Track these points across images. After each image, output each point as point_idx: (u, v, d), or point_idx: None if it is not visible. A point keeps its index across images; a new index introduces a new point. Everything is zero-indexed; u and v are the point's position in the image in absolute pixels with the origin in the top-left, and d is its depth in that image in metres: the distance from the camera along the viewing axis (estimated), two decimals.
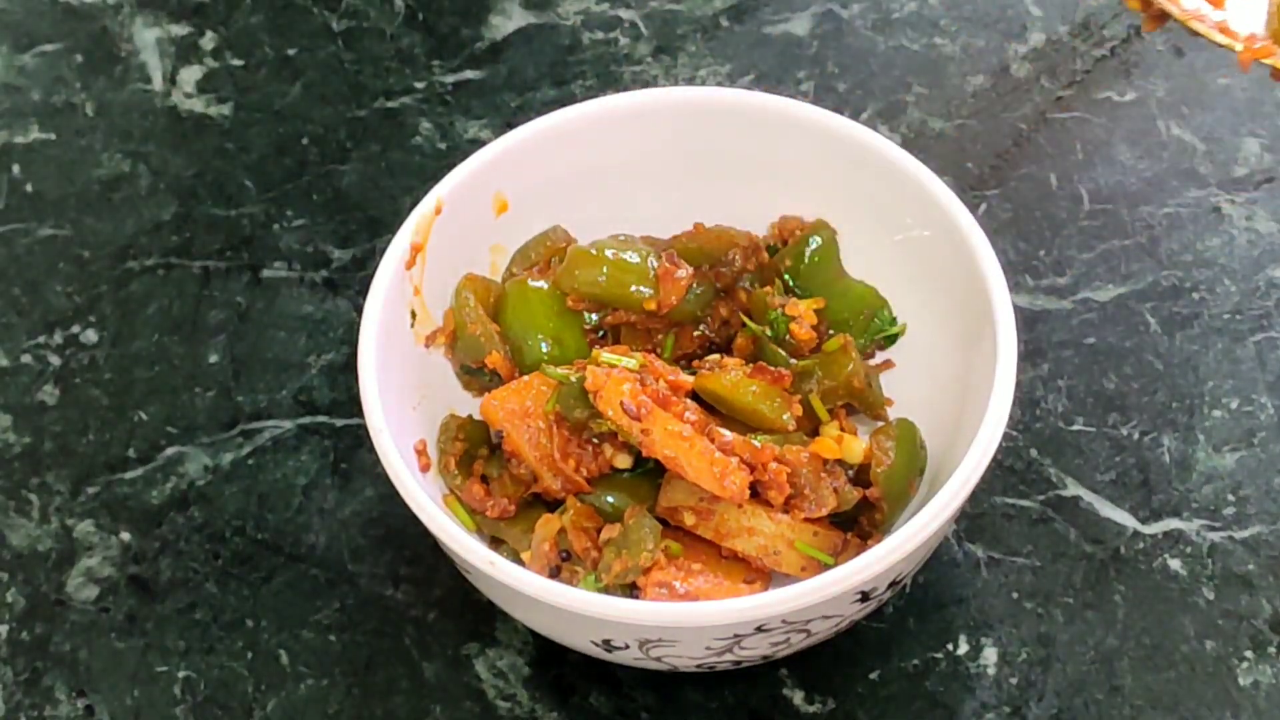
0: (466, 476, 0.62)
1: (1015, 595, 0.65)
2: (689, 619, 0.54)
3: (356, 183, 0.80)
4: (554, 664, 0.64)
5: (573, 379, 0.60)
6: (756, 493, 0.59)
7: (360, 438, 0.70)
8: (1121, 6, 0.85)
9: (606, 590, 0.58)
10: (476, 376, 0.65)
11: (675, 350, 0.65)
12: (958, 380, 0.63)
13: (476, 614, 0.65)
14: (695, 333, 0.66)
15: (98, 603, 0.67)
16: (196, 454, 0.71)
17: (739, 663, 0.59)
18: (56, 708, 0.64)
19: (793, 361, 0.63)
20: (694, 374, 0.62)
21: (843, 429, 0.62)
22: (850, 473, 0.61)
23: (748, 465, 0.58)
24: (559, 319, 0.65)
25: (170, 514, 0.69)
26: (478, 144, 0.79)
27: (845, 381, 0.62)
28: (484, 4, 0.87)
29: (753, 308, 0.65)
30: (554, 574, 0.59)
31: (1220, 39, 0.65)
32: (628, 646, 0.57)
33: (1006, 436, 0.68)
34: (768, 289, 0.65)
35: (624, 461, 0.60)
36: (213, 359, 0.74)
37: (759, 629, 0.55)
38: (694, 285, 0.64)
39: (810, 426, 0.62)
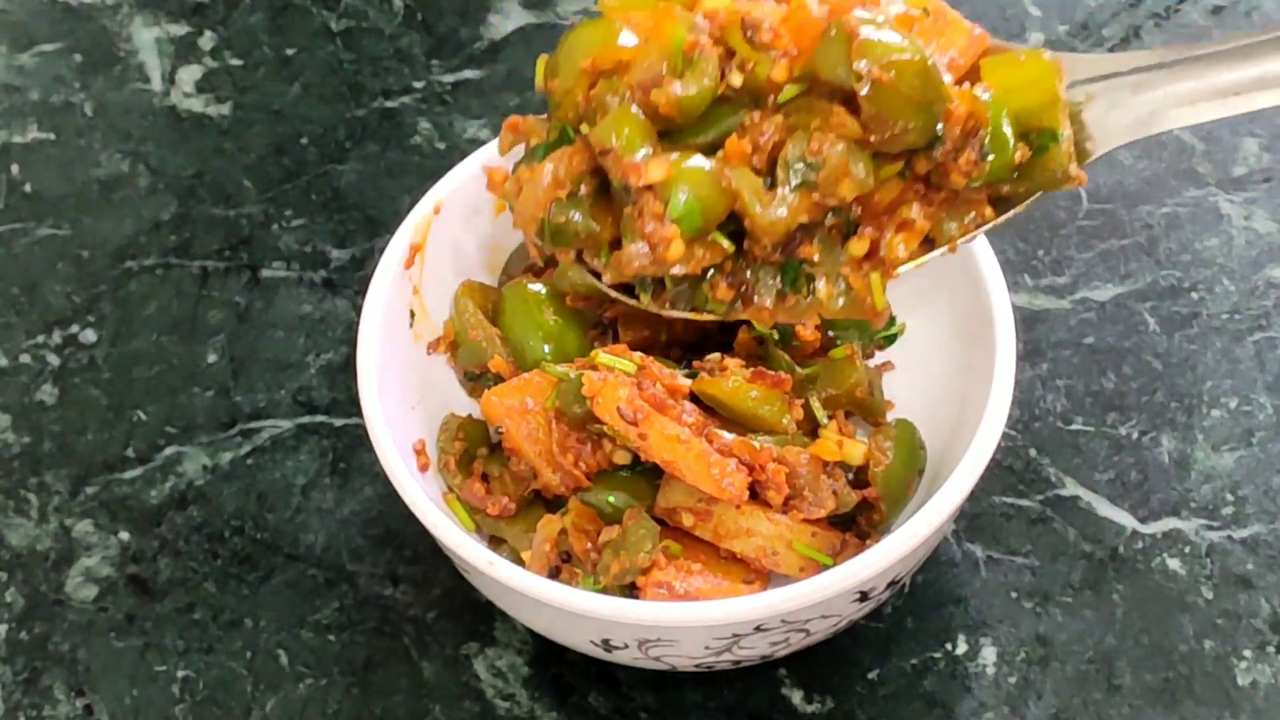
0: (466, 476, 0.63)
1: (1014, 595, 0.65)
2: (688, 619, 0.54)
3: (355, 183, 0.80)
4: (553, 664, 0.64)
5: (572, 375, 0.60)
6: (756, 494, 0.59)
7: (359, 437, 0.70)
8: (1120, 6, 0.85)
9: (605, 591, 0.58)
10: (480, 382, 0.65)
11: (669, 334, 0.65)
12: (957, 380, 0.63)
13: (475, 614, 0.65)
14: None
15: (97, 602, 0.67)
16: (195, 454, 0.71)
17: (738, 662, 0.59)
18: (55, 707, 0.64)
19: (797, 368, 0.63)
20: (693, 375, 0.62)
21: (842, 432, 0.62)
22: (850, 475, 0.61)
23: (746, 466, 0.58)
24: (558, 319, 0.65)
25: (169, 514, 0.69)
26: (476, 144, 0.79)
27: (848, 391, 0.63)
28: (483, 4, 0.88)
29: None
30: (554, 575, 0.59)
31: None
32: (627, 646, 0.57)
33: (1005, 436, 0.68)
34: None
35: (623, 458, 0.60)
36: (211, 359, 0.74)
37: (758, 629, 0.55)
38: None
39: (810, 428, 0.62)
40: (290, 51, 0.86)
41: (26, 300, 0.77)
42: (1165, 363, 0.71)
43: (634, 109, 0.54)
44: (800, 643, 0.59)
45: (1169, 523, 0.67)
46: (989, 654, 0.63)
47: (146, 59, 0.86)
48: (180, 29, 0.87)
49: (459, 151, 0.80)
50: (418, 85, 0.84)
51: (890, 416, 0.65)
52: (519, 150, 0.61)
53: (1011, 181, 0.55)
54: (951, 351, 0.64)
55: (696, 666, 0.59)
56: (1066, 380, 0.71)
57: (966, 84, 0.55)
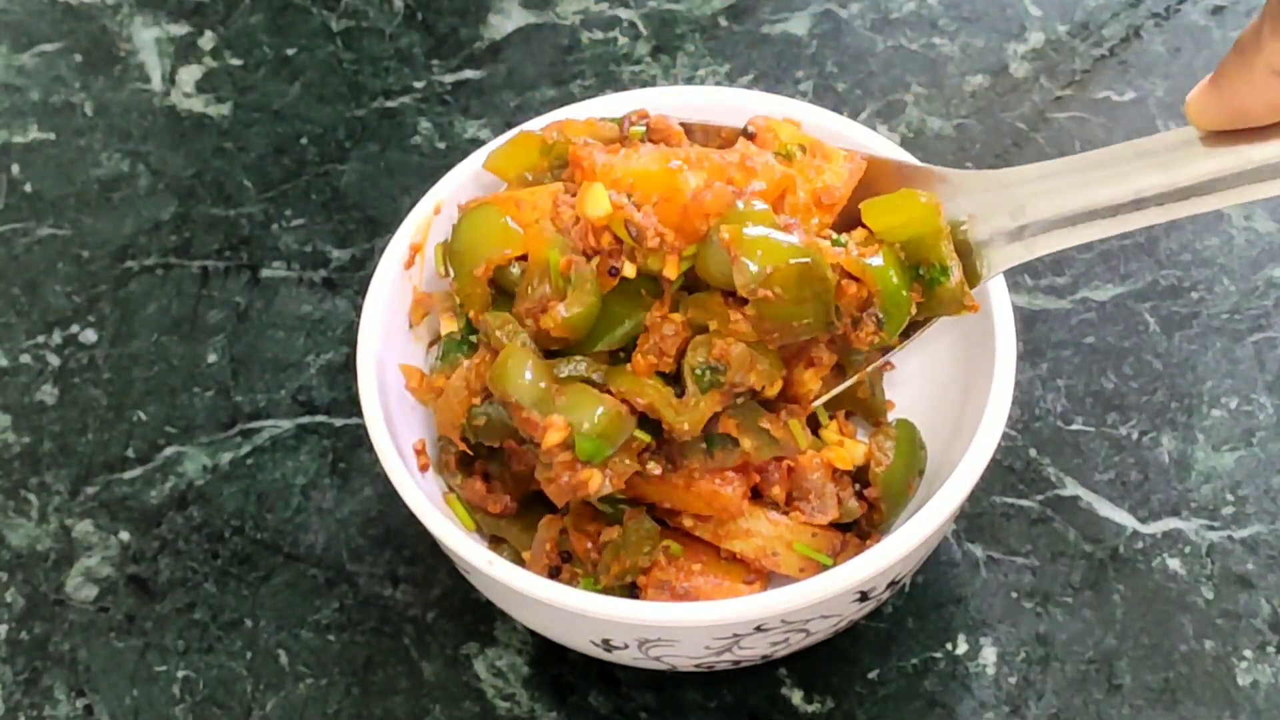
0: (466, 475, 0.62)
1: (1014, 595, 0.65)
2: (688, 619, 0.54)
3: (355, 182, 0.80)
4: (553, 664, 0.64)
5: None
6: (759, 494, 0.59)
7: (359, 437, 0.70)
8: (1121, 6, 0.85)
9: (605, 591, 0.58)
10: None
11: None
12: (957, 380, 0.63)
13: (476, 614, 0.65)
14: None
15: (97, 602, 0.67)
16: (195, 454, 0.71)
17: (738, 662, 0.59)
18: (56, 707, 0.64)
19: None
20: None
21: (842, 432, 0.62)
22: (857, 487, 0.61)
23: (742, 470, 0.58)
24: None
25: (169, 514, 0.69)
26: (477, 144, 0.79)
27: (851, 390, 0.63)
28: (483, 4, 0.88)
29: None
30: (554, 574, 0.59)
31: None
32: (627, 646, 0.57)
33: (1005, 436, 0.68)
34: None
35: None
36: (211, 359, 0.74)
37: (758, 629, 0.55)
38: None
39: (812, 428, 0.62)
40: (290, 51, 0.86)
41: (26, 300, 0.77)
42: (1165, 363, 0.71)
43: (525, 342, 0.56)
44: (800, 643, 0.59)
45: (1169, 523, 0.67)
46: (989, 654, 0.63)
47: (146, 59, 0.86)
48: (180, 29, 0.87)
49: (459, 151, 0.80)
50: (418, 85, 0.84)
51: (890, 416, 0.65)
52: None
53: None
54: (951, 351, 0.64)
55: (696, 666, 0.59)
56: (1066, 380, 0.71)
57: (848, 240, 0.57)
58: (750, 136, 0.59)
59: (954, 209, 0.57)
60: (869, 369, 0.60)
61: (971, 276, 0.57)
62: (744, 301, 0.55)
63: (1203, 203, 0.52)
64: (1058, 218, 0.55)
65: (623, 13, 0.86)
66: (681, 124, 0.61)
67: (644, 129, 0.60)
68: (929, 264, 0.57)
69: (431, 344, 0.66)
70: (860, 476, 0.61)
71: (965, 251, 0.57)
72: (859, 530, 0.61)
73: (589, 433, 0.54)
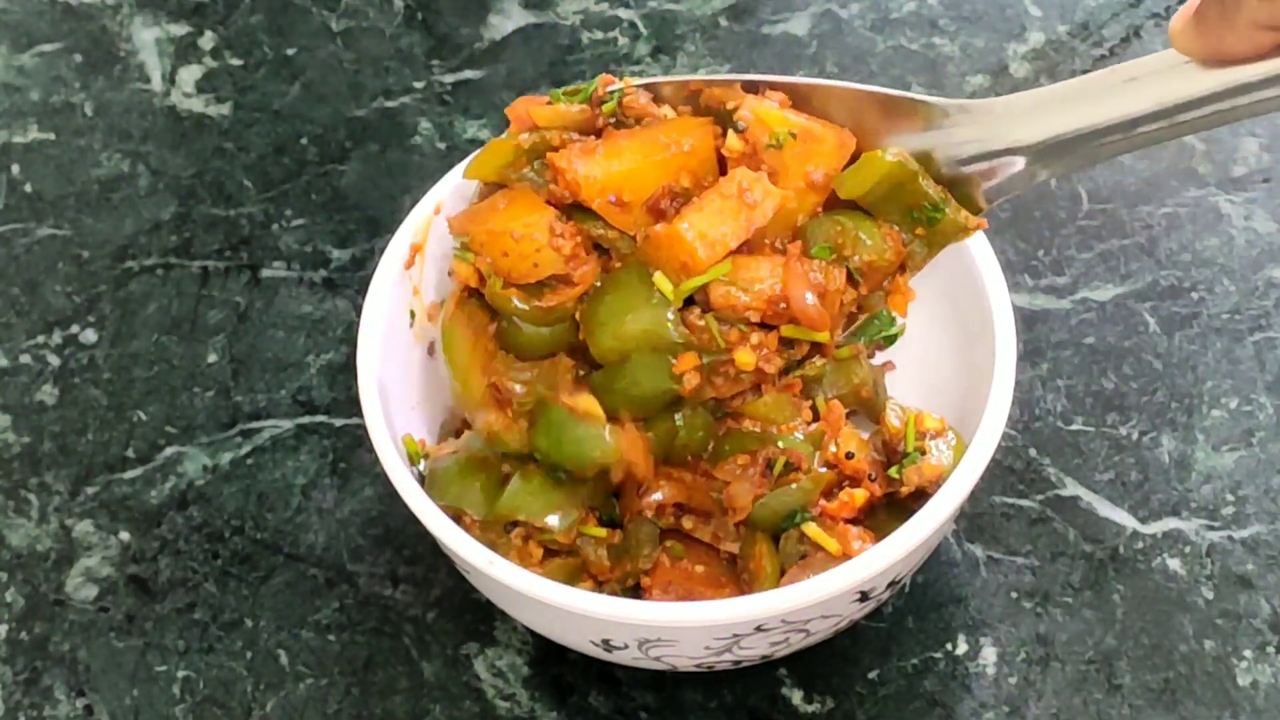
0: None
1: (1014, 595, 0.65)
2: (688, 619, 0.54)
3: (355, 182, 0.80)
4: (553, 664, 0.64)
5: None
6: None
7: (359, 437, 0.70)
8: (1121, 6, 0.85)
9: (608, 591, 0.58)
10: None
11: None
12: (957, 380, 0.63)
13: (476, 614, 0.65)
14: None
15: (97, 602, 0.67)
16: (195, 454, 0.71)
17: (738, 662, 0.59)
18: (56, 707, 0.64)
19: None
20: None
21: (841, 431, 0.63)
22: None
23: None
24: None
25: (169, 514, 0.69)
26: (477, 144, 0.79)
27: (854, 390, 0.63)
28: (483, 4, 0.88)
29: None
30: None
31: None
32: (627, 646, 0.57)
33: (1006, 436, 0.68)
34: None
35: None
36: (212, 359, 0.74)
37: (758, 629, 0.55)
38: None
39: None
40: (290, 51, 0.86)
41: (26, 300, 0.77)
42: (1165, 363, 0.71)
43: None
44: (800, 643, 0.59)
45: (1169, 523, 0.67)
46: (989, 654, 0.63)
47: (146, 59, 0.86)
48: (180, 29, 0.87)
49: (459, 151, 0.80)
50: (418, 85, 0.84)
51: (891, 416, 0.65)
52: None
53: (921, 254, 0.60)
54: (951, 351, 0.64)
55: (696, 666, 0.59)
56: (1066, 380, 0.71)
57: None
58: (740, 132, 0.59)
59: (942, 138, 0.58)
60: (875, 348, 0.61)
61: (972, 205, 0.58)
62: (757, 325, 0.57)
63: (1195, 124, 0.52)
64: (1053, 143, 0.56)
65: (623, 13, 0.87)
66: (648, 87, 0.61)
67: (615, 103, 0.60)
68: (919, 206, 0.58)
69: (432, 346, 0.66)
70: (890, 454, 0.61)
71: (961, 181, 0.58)
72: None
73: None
